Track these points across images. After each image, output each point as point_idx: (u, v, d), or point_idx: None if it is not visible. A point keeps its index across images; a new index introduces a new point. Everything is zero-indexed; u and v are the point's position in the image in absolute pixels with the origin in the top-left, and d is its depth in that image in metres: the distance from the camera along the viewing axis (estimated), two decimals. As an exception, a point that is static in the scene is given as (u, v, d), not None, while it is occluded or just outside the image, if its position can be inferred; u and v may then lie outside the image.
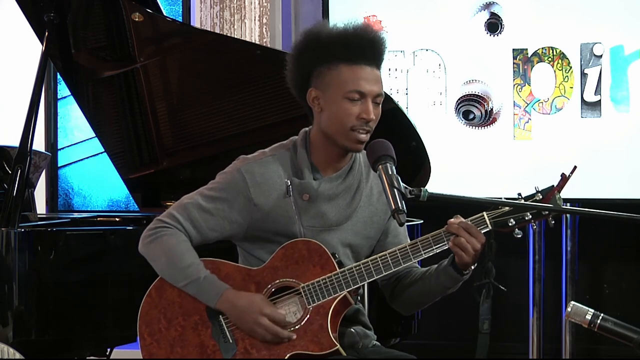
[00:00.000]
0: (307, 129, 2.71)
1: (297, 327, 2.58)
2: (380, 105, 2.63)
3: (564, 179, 2.46)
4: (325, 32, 2.63)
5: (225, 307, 2.60)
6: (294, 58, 2.66)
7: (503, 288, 2.53)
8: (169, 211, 2.69)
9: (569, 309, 2.16)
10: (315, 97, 2.63)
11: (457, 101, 5.06)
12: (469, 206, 2.49)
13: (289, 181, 2.64)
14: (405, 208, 2.39)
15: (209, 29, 5.34)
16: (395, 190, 2.40)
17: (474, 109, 5.05)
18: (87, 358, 4.04)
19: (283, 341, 2.57)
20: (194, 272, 2.62)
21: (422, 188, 2.41)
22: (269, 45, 5.32)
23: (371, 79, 2.59)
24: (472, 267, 2.57)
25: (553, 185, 2.47)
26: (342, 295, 2.57)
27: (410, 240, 2.65)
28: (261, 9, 5.41)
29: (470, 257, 2.50)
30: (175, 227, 2.66)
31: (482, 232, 2.50)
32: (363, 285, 2.61)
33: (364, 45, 2.59)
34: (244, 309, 2.58)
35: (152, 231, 2.68)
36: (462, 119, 5.06)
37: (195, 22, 5.48)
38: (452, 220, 2.53)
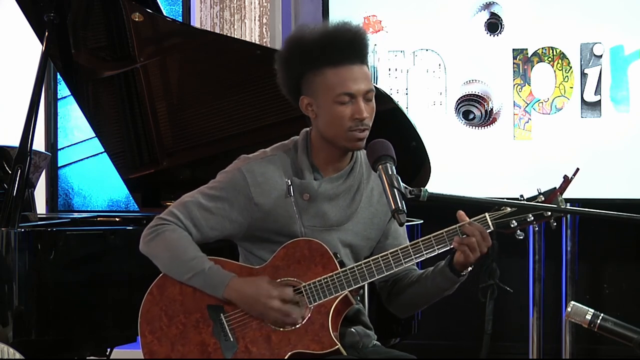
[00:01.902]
0: (308, 129, 2.71)
1: (298, 326, 2.58)
2: (374, 100, 2.62)
3: (567, 180, 2.46)
4: (306, 38, 2.60)
5: (233, 296, 2.60)
6: (281, 67, 2.66)
7: (509, 289, 2.53)
8: (169, 209, 2.69)
9: (569, 309, 2.16)
10: (308, 104, 2.63)
11: (457, 101, 5.06)
12: (469, 206, 2.49)
13: (289, 181, 2.64)
14: (405, 208, 2.39)
15: (209, 29, 5.34)
16: (395, 190, 2.40)
17: (474, 109, 5.05)
18: (87, 358, 4.04)
19: (296, 321, 2.56)
20: (198, 264, 2.62)
21: (422, 188, 2.41)
22: (269, 45, 5.32)
23: (358, 77, 2.58)
24: (469, 269, 2.57)
25: (555, 187, 2.47)
26: (343, 295, 2.58)
27: (410, 241, 2.64)
28: (261, 9, 5.41)
29: (476, 258, 2.50)
30: (175, 224, 2.66)
31: (485, 233, 2.52)
32: (364, 286, 2.62)
33: (345, 46, 2.57)
34: (253, 295, 2.58)
35: (153, 229, 2.68)
36: (462, 119, 5.06)
37: (195, 22, 5.48)
38: (464, 222, 2.51)
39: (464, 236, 2.51)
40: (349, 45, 2.58)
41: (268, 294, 2.57)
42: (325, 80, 2.58)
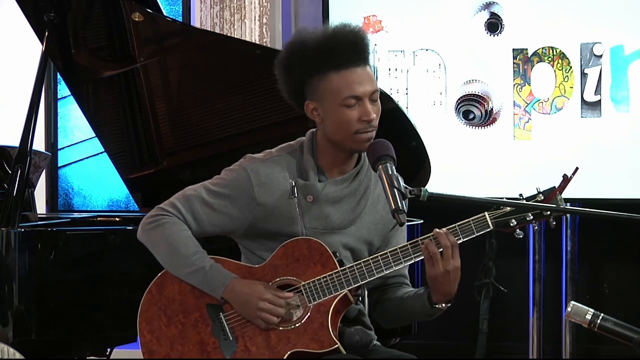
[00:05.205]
0: (314, 130, 2.70)
1: (297, 325, 2.58)
2: (379, 100, 2.62)
3: (566, 180, 2.46)
4: (307, 42, 2.59)
5: (229, 297, 2.60)
6: (282, 72, 2.65)
7: (503, 289, 2.53)
8: (171, 200, 2.68)
9: (569, 309, 2.16)
10: (314, 109, 2.62)
11: (457, 101, 5.06)
12: (469, 206, 2.49)
13: (293, 182, 2.64)
14: (405, 208, 2.39)
15: (209, 29, 5.34)
16: (396, 190, 2.40)
17: (474, 109, 5.05)
18: (87, 358, 4.04)
19: (275, 321, 2.55)
20: (199, 261, 2.62)
21: (422, 188, 2.41)
22: (269, 45, 5.32)
23: (363, 79, 2.57)
24: (444, 305, 2.55)
25: (555, 186, 2.47)
26: (342, 294, 2.58)
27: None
28: (261, 9, 5.41)
29: (437, 273, 2.49)
30: (176, 217, 2.66)
31: (483, 232, 2.51)
32: (363, 286, 2.61)
33: (347, 49, 2.56)
34: (245, 296, 2.58)
35: (153, 218, 2.67)
36: (462, 119, 5.06)
37: (195, 22, 5.48)
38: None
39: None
40: (351, 47, 2.57)
41: (260, 296, 2.57)
42: (330, 84, 2.57)
